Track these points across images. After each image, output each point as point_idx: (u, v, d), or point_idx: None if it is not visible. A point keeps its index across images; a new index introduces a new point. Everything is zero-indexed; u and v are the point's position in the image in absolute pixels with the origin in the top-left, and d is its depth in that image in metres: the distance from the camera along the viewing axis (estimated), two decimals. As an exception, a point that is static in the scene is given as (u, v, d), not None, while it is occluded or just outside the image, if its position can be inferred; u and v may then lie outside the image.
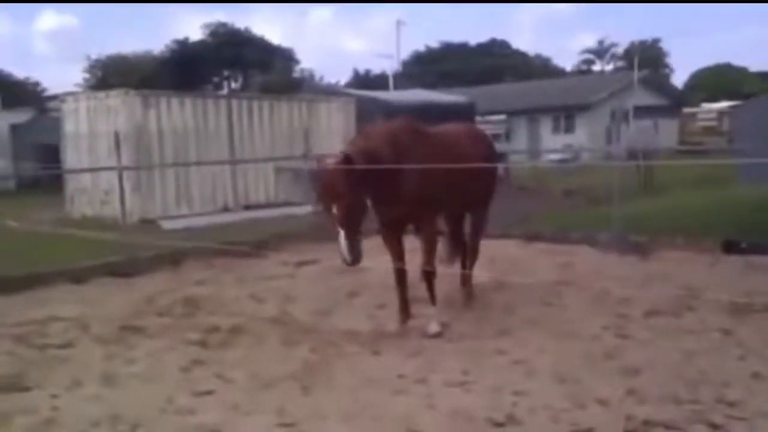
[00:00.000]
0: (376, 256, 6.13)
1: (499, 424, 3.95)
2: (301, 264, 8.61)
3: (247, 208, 15.16)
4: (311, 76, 60.18)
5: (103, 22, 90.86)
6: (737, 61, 70.00)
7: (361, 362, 5.08)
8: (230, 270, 8.48)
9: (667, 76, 59.05)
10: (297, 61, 62.19)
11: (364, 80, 58.78)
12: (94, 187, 14.91)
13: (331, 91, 24.83)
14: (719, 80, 63.22)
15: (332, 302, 6.79)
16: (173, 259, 8.98)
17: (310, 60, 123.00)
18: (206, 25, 59.27)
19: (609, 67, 66.00)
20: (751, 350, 5.02)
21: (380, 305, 6.61)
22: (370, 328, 5.88)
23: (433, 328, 5.71)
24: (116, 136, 9.62)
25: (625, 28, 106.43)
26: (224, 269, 8.54)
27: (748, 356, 4.91)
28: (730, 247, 8.34)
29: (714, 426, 3.81)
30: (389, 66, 50.37)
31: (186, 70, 51.74)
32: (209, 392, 4.61)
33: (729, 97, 46.45)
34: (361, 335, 5.67)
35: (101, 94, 15.60)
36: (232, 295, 7.30)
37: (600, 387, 4.41)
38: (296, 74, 59.11)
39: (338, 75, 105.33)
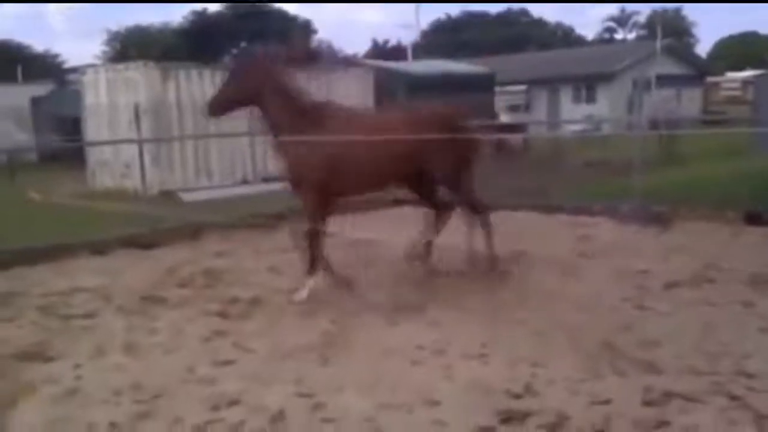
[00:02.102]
0: (392, 228, 6.12)
1: (517, 396, 3.96)
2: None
3: (266, 180, 15.20)
4: (330, 47, 59.85)
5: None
6: (764, 30, 68.51)
7: (379, 333, 5.11)
8: (249, 242, 8.53)
9: (691, 45, 57.97)
10: (315, 32, 61.88)
11: (382, 51, 58.37)
12: (115, 160, 15.03)
13: (349, 63, 24.70)
14: (745, 49, 62.09)
15: (350, 274, 6.80)
16: (193, 230, 9.04)
17: (327, 31, 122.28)
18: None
19: (631, 36, 65.01)
20: (772, 322, 4.98)
21: (398, 276, 6.62)
22: (388, 299, 5.89)
23: (301, 294, 5.98)
24: (136, 108, 9.65)
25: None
26: (243, 241, 8.59)
27: (769, 328, 4.88)
28: (753, 219, 8.24)
29: (733, 397, 3.79)
30: (408, 36, 49.97)
31: (205, 41, 51.75)
32: (229, 362, 4.67)
33: (755, 67, 45.61)
34: (380, 306, 5.69)
35: (121, 66, 15.65)
36: (251, 267, 7.35)
37: (618, 358, 4.40)
38: (314, 45, 58.82)
39: (357, 46, 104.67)
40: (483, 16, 67.13)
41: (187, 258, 7.87)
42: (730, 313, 5.26)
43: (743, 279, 5.98)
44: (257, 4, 57.89)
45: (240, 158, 15.49)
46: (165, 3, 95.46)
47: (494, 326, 5.14)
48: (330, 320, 5.41)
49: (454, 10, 70.69)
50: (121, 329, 5.42)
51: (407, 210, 10.44)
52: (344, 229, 8.81)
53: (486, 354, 4.61)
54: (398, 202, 10.95)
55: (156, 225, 8.90)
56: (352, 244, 8.14)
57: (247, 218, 8.51)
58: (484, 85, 20.66)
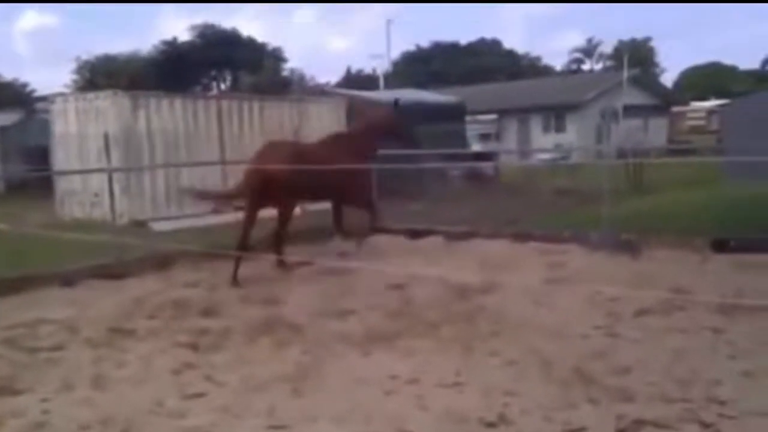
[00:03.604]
0: (368, 258, 6.12)
1: (491, 425, 3.96)
2: (292, 265, 8.60)
3: (238, 209, 15.11)
4: (301, 76, 60.15)
5: (84, 23, 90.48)
6: (726, 60, 70.36)
7: (352, 363, 5.08)
8: (220, 272, 8.43)
9: (656, 75, 59.27)
10: (285, 60, 62.18)
11: (354, 80, 58.79)
12: (84, 189, 14.83)
13: (321, 91, 24.82)
14: (708, 79, 63.59)
15: (324, 304, 6.78)
16: (163, 260, 8.94)
17: (298, 60, 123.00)
18: (193, 27, 59.20)
19: (598, 67, 66.31)
20: (741, 349, 5.05)
21: (371, 306, 6.60)
22: (362, 329, 5.87)
23: None
24: (106, 137, 9.58)
25: (614, 27, 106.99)
26: (214, 271, 8.50)
27: (738, 355, 4.94)
28: (720, 246, 8.38)
29: (705, 424, 3.82)
30: (380, 66, 50.38)
31: (175, 71, 51.69)
32: (200, 395, 4.59)
33: (718, 96, 46.70)
34: (353, 336, 5.66)
35: (90, 95, 15.53)
36: (222, 297, 7.27)
37: (591, 386, 4.42)
38: (285, 74, 59.06)
39: (328, 75, 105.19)
40: (453, 47, 67.99)
41: (156, 288, 7.77)
42: (699, 340, 5.32)
43: (712, 306, 6.05)
44: (227, 33, 58.11)
45: (212, 187, 15.37)
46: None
47: (468, 355, 5.14)
48: (302, 351, 5.37)
49: (425, 40, 71.38)
50: (89, 362, 5.32)
51: (385, 238, 10.50)
52: (319, 258, 8.82)
53: (460, 383, 4.60)
54: (375, 230, 10.96)
55: (125, 255, 8.79)
56: (327, 273, 8.13)
57: (218, 248, 8.42)
58: (455, 114, 20.84)
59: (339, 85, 55.11)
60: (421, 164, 12.81)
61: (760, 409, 3.98)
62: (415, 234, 10.45)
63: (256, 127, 16.34)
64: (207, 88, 59.02)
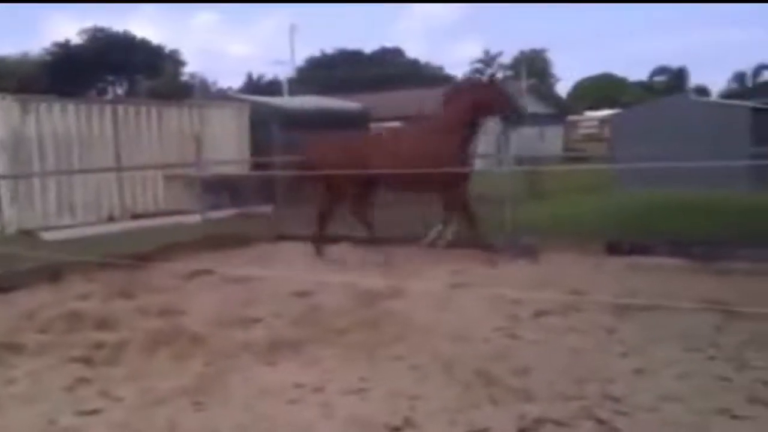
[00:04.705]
0: (270, 265, 6.03)
1: (396, 429, 3.96)
2: (192, 275, 8.37)
3: (135, 217, 14.62)
4: (203, 81, 58.93)
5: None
6: (618, 71, 73.96)
7: (256, 373, 4.98)
8: (116, 282, 8.11)
9: (552, 85, 61.57)
10: (184, 64, 60.78)
11: (257, 86, 58.12)
12: (-32, 198, 13.95)
13: (223, 97, 24.36)
14: (601, 90, 66.55)
15: (226, 313, 6.62)
16: (54, 272, 8.51)
17: (198, 64, 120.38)
18: (84, 31, 57.02)
19: (500, 75, 68.27)
20: (633, 347, 5.27)
21: (276, 314, 6.51)
22: (266, 338, 5.77)
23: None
24: (-9, 142, 9.06)
25: (512, 38, 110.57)
26: (109, 282, 8.17)
27: (630, 353, 5.15)
28: (613, 249, 8.75)
29: (600, 421, 3.96)
30: (283, 72, 50.00)
31: (68, 74, 49.47)
32: (95, 411, 4.38)
33: (610, 106, 48.95)
34: (257, 345, 5.55)
35: (-25, 99, 14.64)
36: (118, 309, 6.98)
37: (493, 387, 4.51)
38: (186, 79, 57.71)
39: (230, 80, 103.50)
40: (357, 55, 68.37)
41: (47, 301, 7.38)
42: (594, 340, 5.52)
43: (606, 307, 6.31)
44: (120, 36, 56.27)
45: (106, 194, 14.83)
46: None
47: (373, 361, 5.14)
48: (203, 362, 5.22)
49: (329, 47, 71.40)
50: (-27, 381, 4.98)
51: (291, 245, 10.40)
52: (221, 266, 8.63)
53: (365, 389, 4.59)
54: (278, 237, 10.86)
55: (13, 266, 8.32)
56: (229, 281, 7.97)
57: (113, 258, 8.10)
58: (359, 121, 20.92)
59: (241, 90, 54.31)
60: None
61: (650, 404, 4.17)
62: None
63: (154, 132, 15.86)
64: (102, 92, 56.88)
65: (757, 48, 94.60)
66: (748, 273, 7.47)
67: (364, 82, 53.07)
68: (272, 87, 49.99)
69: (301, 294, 7.26)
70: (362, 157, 8.92)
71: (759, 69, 55.05)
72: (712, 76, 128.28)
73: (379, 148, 9.09)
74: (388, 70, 63.12)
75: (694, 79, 63.01)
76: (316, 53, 69.97)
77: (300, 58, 67.98)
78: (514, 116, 9.29)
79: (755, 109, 18.41)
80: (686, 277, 7.52)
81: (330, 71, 62.46)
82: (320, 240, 9.45)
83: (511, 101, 9.35)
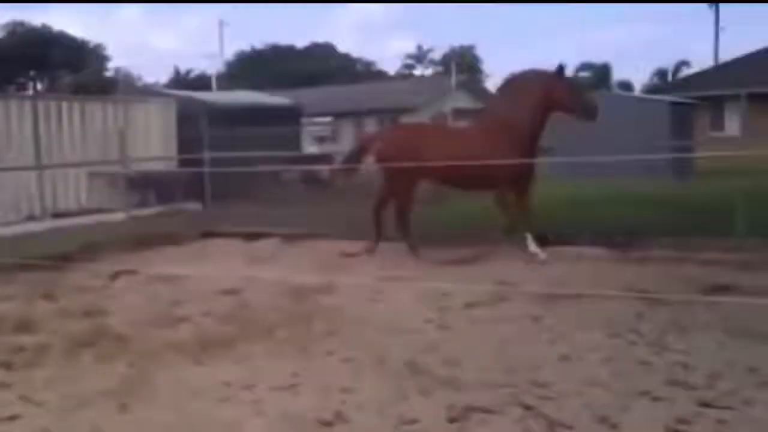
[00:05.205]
0: (199, 264, 5.92)
1: (328, 423, 3.94)
2: (116, 274, 8.14)
3: (57, 216, 14.12)
4: (128, 75, 57.38)
5: None
6: (547, 66, 75.35)
7: (184, 373, 4.87)
8: (36, 284, 7.81)
9: (481, 81, 62.44)
10: (109, 59, 59.07)
11: (184, 80, 56.95)
12: None
13: (149, 92, 23.77)
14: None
15: (152, 313, 6.46)
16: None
17: (124, 59, 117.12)
18: (3, 25, 54.83)
19: (429, 72, 68.86)
20: (559, 335, 5.40)
21: (204, 313, 6.39)
22: (194, 337, 5.65)
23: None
24: None
25: (442, 35, 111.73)
26: (30, 283, 7.86)
27: (556, 340, 5.28)
28: (540, 240, 8.90)
29: (527, 407, 4.04)
30: (212, 66, 49.19)
31: (-15, 69, 47.43)
32: (15, 417, 4.21)
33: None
34: (185, 345, 5.43)
35: None
36: (39, 311, 6.72)
37: (424, 378, 4.54)
38: (110, 73, 56.11)
39: (156, 74, 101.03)
40: (288, 49, 67.76)
41: (-38, 305, 7.05)
42: (522, 329, 5.63)
43: (533, 296, 6.45)
44: (40, 30, 54.29)
45: (25, 193, 14.26)
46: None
47: (304, 356, 5.11)
48: (128, 363, 5.07)
49: (259, 42, 70.42)
50: None
51: (219, 241, 10.23)
52: (147, 265, 8.42)
53: (296, 385, 4.55)
54: (207, 235, 10.69)
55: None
56: (156, 280, 7.78)
57: (33, 258, 7.80)
58: (290, 116, 20.74)
59: (168, 85, 53.13)
60: (255, 167, 12.59)
61: (576, 389, 4.28)
62: (250, 237, 10.27)
63: (76, 129, 15.35)
64: (23, 87, 54.72)
65: (677, 44, 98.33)
66: (668, 261, 7.76)
67: (296, 78, 52.73)
68: (200, 82, 49.13)
69: (230, 292, 7.15)
70: (426, 149, 8.44)
71: (679, 65, 57.26)
72: (635, 72, 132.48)
73: (447, 141, 8.74)
74: (319, 65, 62.80)
75: (618, 75, 64.79)
76: (246, 48, 69.05)
77: (229, 53, 66.99)
78: (586, 112, 8.65)
79: (674, 104, 19.15)
80: (609, 266, 7.76)
81: (260, 66, 61.71)
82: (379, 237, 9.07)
83: (585, 97, 8.79)
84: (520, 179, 8.49)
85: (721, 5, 43.01)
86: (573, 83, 8.78)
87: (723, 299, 6.09)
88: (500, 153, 8.03)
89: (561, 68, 8.46)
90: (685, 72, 50.09)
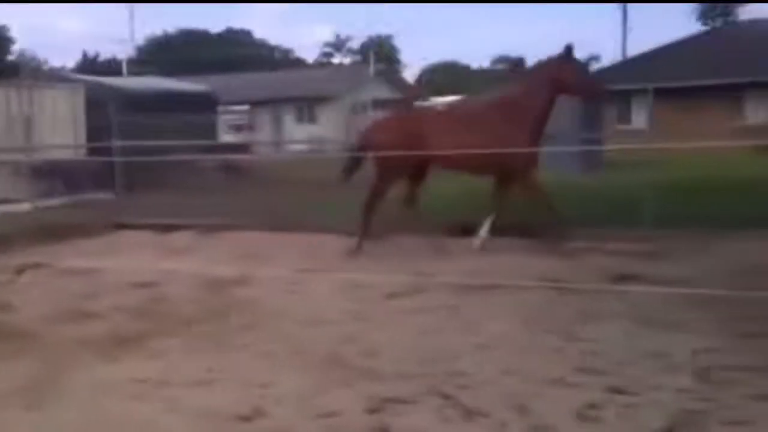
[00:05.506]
0: (110, 256, 5.74)
1: (246, 419, 3.91)
2: (22, 268, 7.79)
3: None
4: (33, 59, 54.73)
5: None
6: (464, 59, 76.63)
7: (95, 370, 4.71)
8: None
9: (400, 72, 62.84)
10: (13, 41, 56.14)
11: (93, 65, 54.77)
12: None
13: (56, 76, 22.76)
14: (446, 76, 68.65)
15: (62, 308, 6.22)
16: None
17: (29, 41, 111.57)
18: None
19: (347, 60, 68.70)
20: (475, 324, 5.52)
21: (117, 307, 6.20)
22: (107, 332, 5.48)
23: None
24: None
25: (361, 23, 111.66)
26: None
27: (473, 330, 5.39)
28: (456, 232, 9.03)
29: (446, 396, 4.11)
30: (122, 51, 47.50)
31: None
32: None
33: (452, 93, 50.63)
34: (97, 341, 5.27)
35: None
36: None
37: (343, 370, 4.56)
38: (14, 57, 53.36)
39: (63, 58, 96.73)
40: (203, 35, 66.12)
41: None
42: (440, 319, 5.72)
43: (451, 287, 6.56)
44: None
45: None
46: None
47: (221, 350, 5.04)
48: (37, 361, 4.87)
49: (171, 26, 68.46)
50: None
51: (132, 233, 9.93)
52: (56, 258, 8.10)
53: (213, 380, 4.49)
54: (119, 226, 10.37)
55: None
56: (65, 274, 7.50)
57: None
58: (203, 104, 20.27)
59: (76, 69, 50.96)
60: (169, 156, 12.27)
61: (492, 378, 4.39)
62: (165, 228, 10.02)
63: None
64: None
65: (593, 41, 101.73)
66: (580, 251, 8.02)
67: (210, 64, 51.51)
68: (110, 67, 47.36)
69: (145, 285, 6.97)
70: (425, 135, 8.24)
71: (590, 60, 59.53)
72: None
73: (446, 127, 8.49)
74: (236, 51, 61.62)
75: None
76: (158, 32, 66.99)
77: (140, 37, 64.72)
78: (598, 96, 8.63)
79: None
80: (522, 257, 7.94)
81: (173, 51, 60.00)
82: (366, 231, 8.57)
83: (595, 81, 8.59)
84: (529, 164, 8.31)
85: (629, 5, 44.44)
86: (580, 65, 8.54)
87: (631, 288, 6.37)
88: (512, 138, 7.94)
89: (569, 49, 8.24)
90: (596, 67, 51.90)
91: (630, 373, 4.42)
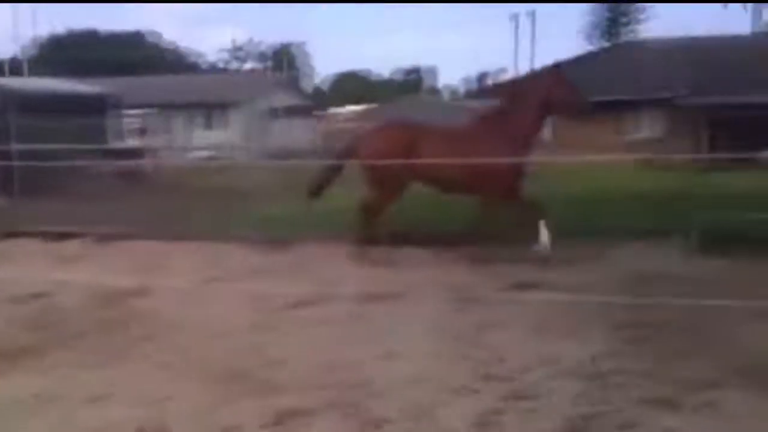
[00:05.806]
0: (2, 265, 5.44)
1: (145, 434, 3.79)
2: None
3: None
4: None
5: None
6: (374, 68, 77.35)
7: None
8: None
9: (308, 79, 62.73)
10: None
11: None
12: None
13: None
14: (353, 84, 69.18)
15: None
16: None
17: None
18: None
19: (258, 65, 67.88)
20: (379, 334, 5.55)
21: (7, 319, 5.93)
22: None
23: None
24: None
25: (269, 29, 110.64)
26: None
27: (377, 340, 5.42)
28: (369, 241, 8.99)
29: (349, 406, 4.13)
30: (14, 51, 45.06)
31: None
32: None
33: (357, 102, 51.00)
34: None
35: None
36: None
37: (246, 382, 4.50)
38: None
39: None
40: (91, 35, 63.28)
41: None
42: (346, 329, 5.73)
43: (357, 297, 6.57)
44: None
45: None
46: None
47: (119, 364, 4.89)
48: None
49: (78, 26, 65.04)
50: None
51: (22, 242, 9.44)
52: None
53: (109, 394, 4.34)
54: (10, 234, 9.82)
55: None
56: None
57: None
58: (97, 106, 19.38)
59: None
60: (63, 160, 11.70)
61: (398, 386, 4.44)
62: (57, 236, 9.55)
63: None
64: None
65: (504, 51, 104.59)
66: (481, 261, 8.18)
67: (102, 66, 49.32)
68: (11, 67, 44.78)
69: (38, 295, 6.67)
70: (417, 150, 8.06)
71: (481, 75, 61.70)
72: (449, 79, 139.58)
73: (437, 142, 8.22)
74: (138, 53, 59.59)
75: (446, 79, 68.27)
76: (56, 31, 63.86)
77: (27, 38, 61.43)
78: (578, 111, 8.59)
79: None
80: (430, 267, 8.01)
81: (63, 52, 57.27)
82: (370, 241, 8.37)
83: (581, 96, 8.45)
84: (517, 181, 8.31)
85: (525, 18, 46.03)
86: (571, 85, 8.40)
87: (530, 296, 6.57)
88: (500, 156, 7.88)
89: (558, 67, 8.40)
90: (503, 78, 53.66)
91: (529, 379, 4.57)
